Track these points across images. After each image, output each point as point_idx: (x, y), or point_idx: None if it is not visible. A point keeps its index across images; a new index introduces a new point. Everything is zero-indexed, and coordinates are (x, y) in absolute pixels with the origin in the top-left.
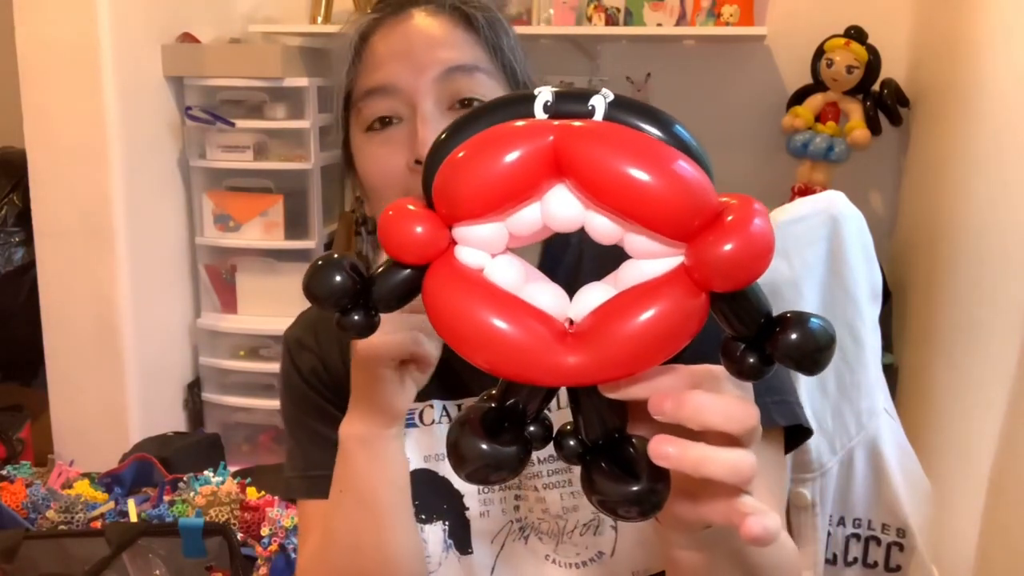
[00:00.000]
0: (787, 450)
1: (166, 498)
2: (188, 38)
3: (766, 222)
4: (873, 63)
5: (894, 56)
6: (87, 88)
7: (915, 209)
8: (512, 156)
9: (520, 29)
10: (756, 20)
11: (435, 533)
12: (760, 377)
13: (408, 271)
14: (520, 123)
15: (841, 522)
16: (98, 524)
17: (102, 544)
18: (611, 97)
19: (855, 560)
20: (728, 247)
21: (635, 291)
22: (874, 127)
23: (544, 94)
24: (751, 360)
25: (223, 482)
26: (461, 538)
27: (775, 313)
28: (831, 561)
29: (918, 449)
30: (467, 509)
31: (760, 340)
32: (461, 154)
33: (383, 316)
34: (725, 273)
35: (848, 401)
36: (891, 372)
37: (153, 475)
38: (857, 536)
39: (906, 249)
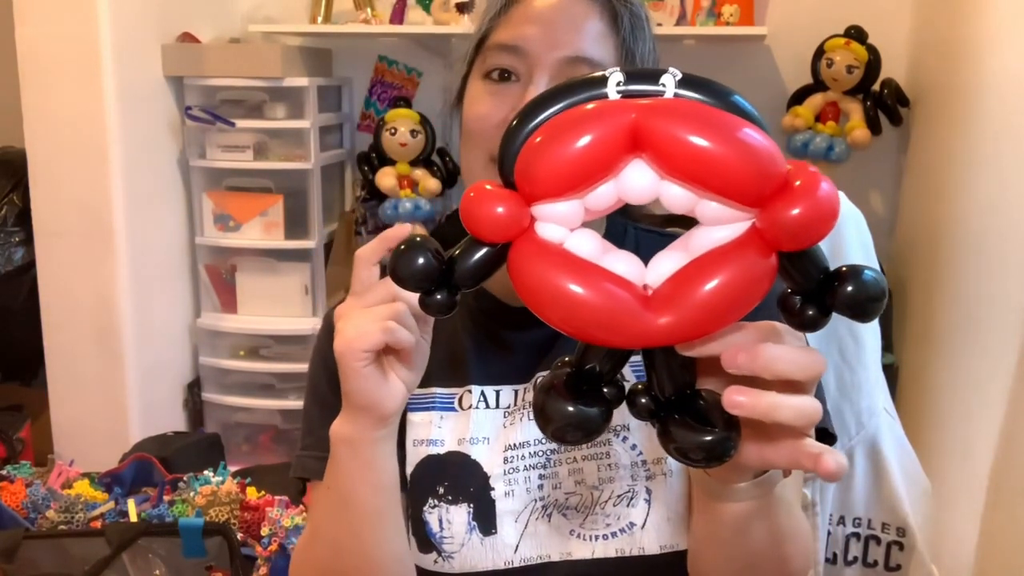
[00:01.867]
0: None
1: (166, 498)
2: (188, 38)
3: (831, 186)
4: (873, 63)
5: (894, 56)
6: (87, 88)
7: (915, 209)
8: (593, 137)
9: None
10: (756, 20)
11: (460, 515)
12: (818, 328)
13: (487, 249)
14: (595, 105)
15: (841, 521)
16: (98, 524)
17: (102, 544)
18: (679, 75)
19: (855, 559)
20: (799, 211)
21: (712, 255)
22: (874, 127)
23: (616, 75)
24: (810, 312)
25: (223, 482)
26: (486, 520)
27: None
28: (831, 560)
29: (918, 449)
30: (492, 490)
31: (818, 294)
32: (544, 136)
33: (351, 311)
34: (796, 234)
35: (848, 401)
36: (891, 372)
37: (153, 475)
38: (857, 535)
39: (906, 249)
